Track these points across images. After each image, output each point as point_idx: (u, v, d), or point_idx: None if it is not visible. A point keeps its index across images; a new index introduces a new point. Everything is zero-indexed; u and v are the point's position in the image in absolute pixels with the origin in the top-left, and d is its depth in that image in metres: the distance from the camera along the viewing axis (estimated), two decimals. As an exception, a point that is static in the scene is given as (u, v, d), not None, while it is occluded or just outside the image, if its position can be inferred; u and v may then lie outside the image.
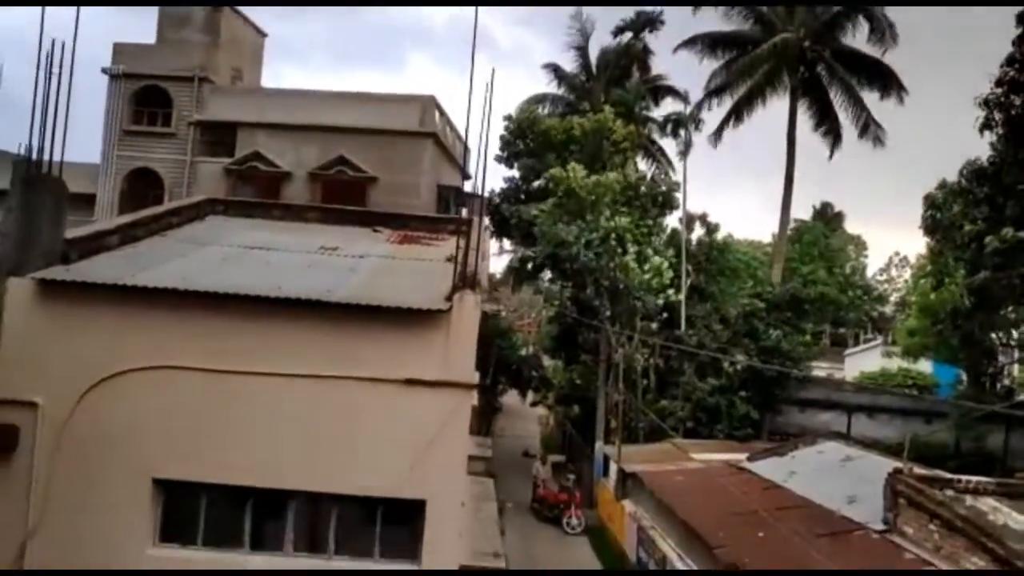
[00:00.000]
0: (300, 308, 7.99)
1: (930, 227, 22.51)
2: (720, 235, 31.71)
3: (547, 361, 36.39)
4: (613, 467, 21.37)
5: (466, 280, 8.39)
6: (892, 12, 30.17)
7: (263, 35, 26.44)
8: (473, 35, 21.83)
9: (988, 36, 17.15)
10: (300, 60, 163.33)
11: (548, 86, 34.33)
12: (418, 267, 11.19)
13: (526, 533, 21.03)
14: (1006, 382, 26.61)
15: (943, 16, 76.51)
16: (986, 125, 18.59)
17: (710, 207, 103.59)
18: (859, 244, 54.73)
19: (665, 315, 26.13)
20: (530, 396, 34.50)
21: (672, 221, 29.89)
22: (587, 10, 33.46)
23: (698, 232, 31.28)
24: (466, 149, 26.12)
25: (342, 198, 19.69)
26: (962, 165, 19.74)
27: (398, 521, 8.15)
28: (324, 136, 21.96)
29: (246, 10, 24.94)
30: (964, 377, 26.36)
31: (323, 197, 20.95)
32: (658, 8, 31.81)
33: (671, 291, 25.14)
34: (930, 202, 22.34)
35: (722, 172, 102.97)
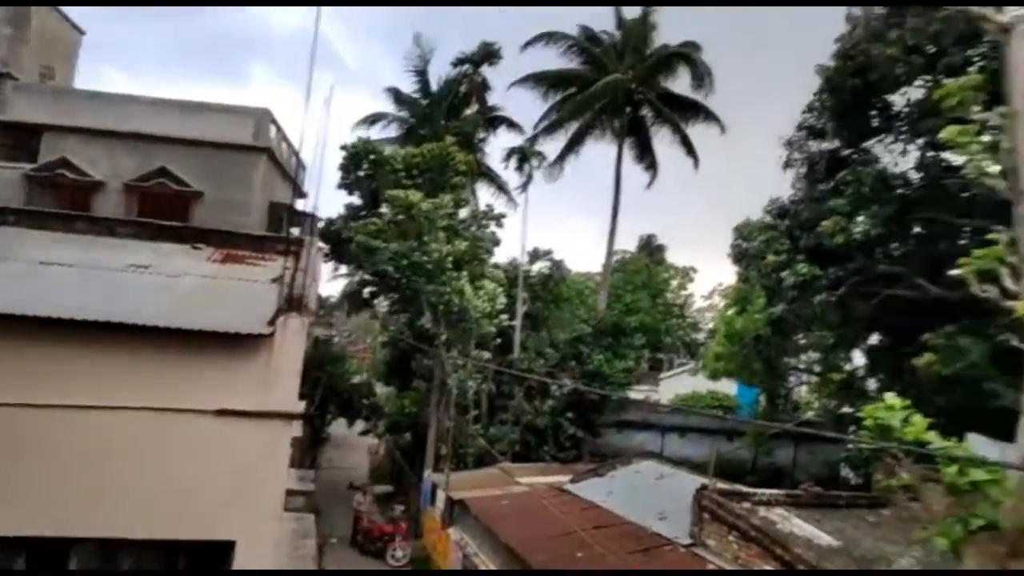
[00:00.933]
0: (98, 331, 7.27)
1: (737, 256, 24.87)
2: (556, 264, 32.99)
3: (380, 388, 35.77)
4: (441, 495, 21.34)
5: (292, 302, 8.08)
6: (733, 54, 33.38)
7: (81, 32, 24.18)
8: (312, 48, 21.45)
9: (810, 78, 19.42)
10: (129, 64, 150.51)
11: (392, 107, 34.28)
12: (241, 288, 10.64)
13: (348, 568, 20.42)
14: (795, 401, 29.79)
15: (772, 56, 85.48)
16: (787, 164, 20.99)
17: (548, 238, 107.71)
18: (686, 274, 58.92)
19: (499, 341, 26.69)
20: (361, 425, 33.67)
21: (508, 249, 30.74)
22: (429, 36, 33.91)
23: (539, 264, 32.48)
24: (302, 167, 25.30)
25: (162, 213, 18.29)
26: (767, 202, 22.12)
27: (203, 566, 7.59)
28: (145, 145, 20.29)
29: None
30: (762, 398, 29.16)
31: (140, 211, 19.31)
32: (497, 43, 32.90)
33: (504, 316, 25.72)
34: (738, 233, 24.73)
35: (559, 204, 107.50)
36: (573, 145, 34.65)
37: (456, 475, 21.59)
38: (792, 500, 13.77)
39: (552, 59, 35.04)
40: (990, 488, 9.32)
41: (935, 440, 10.48)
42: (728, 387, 32.64)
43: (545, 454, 24.59)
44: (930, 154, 16.99)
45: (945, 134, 10.20)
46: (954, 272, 10.44)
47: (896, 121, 18.58)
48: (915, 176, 18.07)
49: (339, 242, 26.14)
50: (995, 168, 10.21)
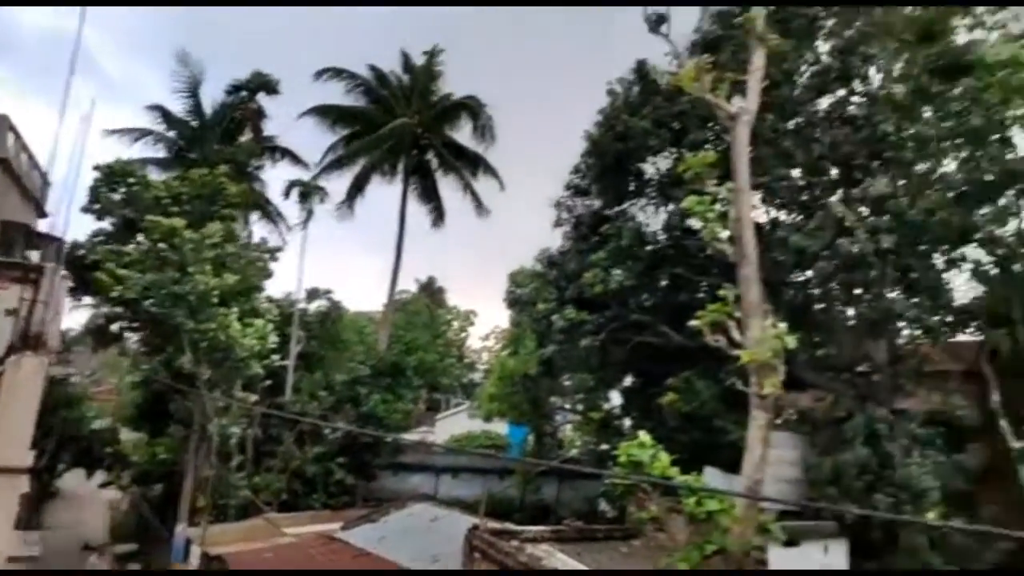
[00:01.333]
0: None
1: (512, 302, 26.12)
2: (335, 304, 32.16)
3: (128, 434, 32.05)
4: (196, 550, 19.53)
5: (29, 339, 7.07)
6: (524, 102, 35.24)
7: None
8: (73, 56, 19.18)
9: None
10: None
11: (159, 125, 31.63)
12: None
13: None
14: (559, 439, 31.57)
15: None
16: (557, 223, 22.56)
17: (333, 275, 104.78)
18: (466, 317, 60.22)
19: (269, 382, 25.31)
20: (102, 476, 29.84)
21: (285, 286, 29.52)
22: (198, 57, 31.99)
23: (316, 302, 31.43)
24: (47, 183, 22.30)
25: None
26: (539, 251, 23.54)
27: None
28: None
29: None
30: (531, 437, 30.56)
31: None
32: (275, 76, 32.03)
33: (276, 356, 24.48)
34: (512, 280, 25.99)
35: (347, 240, 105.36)
36: (360, 183, 34.46)
37: (215, 528, 19.90)
38: (556, 535, 14.50)
39: (342, 92, 34.83)
40: (721, 516, 10.62)
41: (677, 474, 11.74)
42: (501, 427, 33.80)
43: (315, 502, 23.55)
44: (676, 218, 19.25)
45: (686, 202, 11.77)
46: (692, 323, 11.95)
47: (649, 186, 20.89)
48: (663, 235, 20.34)
49: (84, 268, 23.32)
50: (725, 234, 11.92)
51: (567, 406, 28.94)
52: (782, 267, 18.27)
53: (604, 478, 20.87)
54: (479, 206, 35.48)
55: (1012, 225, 17.67)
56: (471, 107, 34.88)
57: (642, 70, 19.96)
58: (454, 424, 40.21)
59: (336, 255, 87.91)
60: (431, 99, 35.33)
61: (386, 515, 18.81)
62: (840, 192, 17.46)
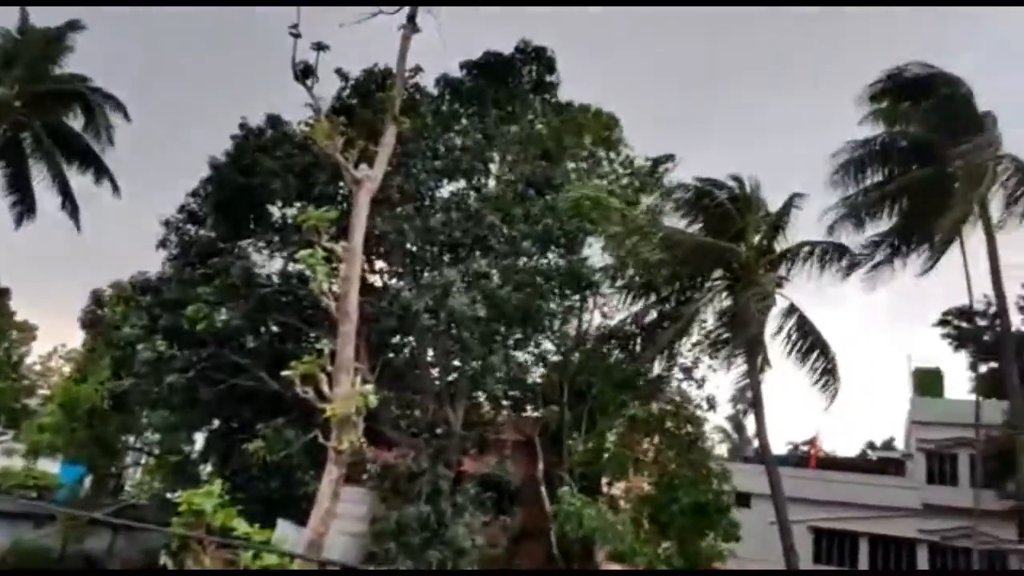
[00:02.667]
0: None
1: (90, 322, 22.85)
2: None
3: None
4: None
5: None
6: None
7: None
8: None
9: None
10: None
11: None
12: None
13: None
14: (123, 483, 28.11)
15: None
16: (163, 243, 20.60)
17: None
18: (25, 329, 50.48)
19: None
20: None
21: None
22: None
23: None
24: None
25: None
26: (135, 273, 21.14)
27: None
28: None
29: None
30: (89, 478, 26.63)
31: None
32: None
33: None
34: (96, 297, 22.80)
35: None
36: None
37: None
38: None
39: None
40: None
41: (241, 526, 11.30)
42: (53, 464, 28.81)
43: None
44: (292, 265, 19.18)
45: (300, 253, 11.85)
46: (285, 372, 11.87)
47: (271, 228, 20.50)
48: (278, 280, 20.05)
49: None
50: (333, 290, 12.24)
51: (140, 446, 26.03)
52: (389, 330, 19.35)
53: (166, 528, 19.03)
54: (70, 206, 30.67)
55: (574, 323, 21.46)
56: (86, 99, 30.42)
57: (275, 118, 19.97)
58: (-10, 457, 33.02)
59: None
60: (44, 72, 29.97)
61: None
62: (446, 267, 19.33)
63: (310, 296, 16.40)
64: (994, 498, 25.35)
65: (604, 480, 21.45)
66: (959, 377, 36.38)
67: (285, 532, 15.90)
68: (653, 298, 22.69)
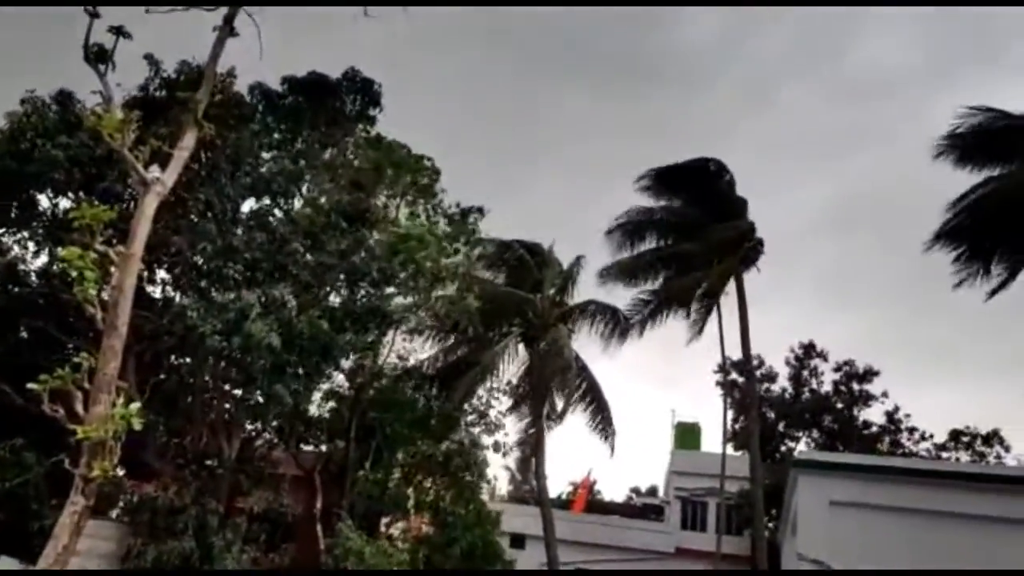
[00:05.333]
0: None
1: None
2: None
3: None
4: None
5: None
6: None
7: None
8: None
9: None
10: None
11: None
12: None
13: None
14: None
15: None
16: None
17: None
18: None
19: None
20: None
21: None
22: None
23: None
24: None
25: None
26: None
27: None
28: None
29: None
30: None
31: None
32: None
33: None
34: None
35: None
36: None
37: None
38: None
39: None
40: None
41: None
42: None
43: None
44: (57, 265, 17.07)
45: (66, 253, 10.55)
46: (32, 385, 10.41)
47: (38, 220, 18.16)
48: (38, 280, 17.76)
49: None
50: (103, 297, 11.01)
51: None
52: (166, 350, 17.78)
53: None
54: None
55: (371, 359, 21.06)
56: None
57: (66, 96, 17.88)
58: None
59: None
60: None
61: None
62: (244, 290, 18.18)
63: (74, 302, 14.68)
64: (736, 543, 28.40)
65: (384, 519, 21.14)
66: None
67: (9, 570, 13.87)
68: (453, 340, 23.18)
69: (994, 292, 21.88)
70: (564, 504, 37.76)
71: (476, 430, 22.29)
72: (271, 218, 18.93)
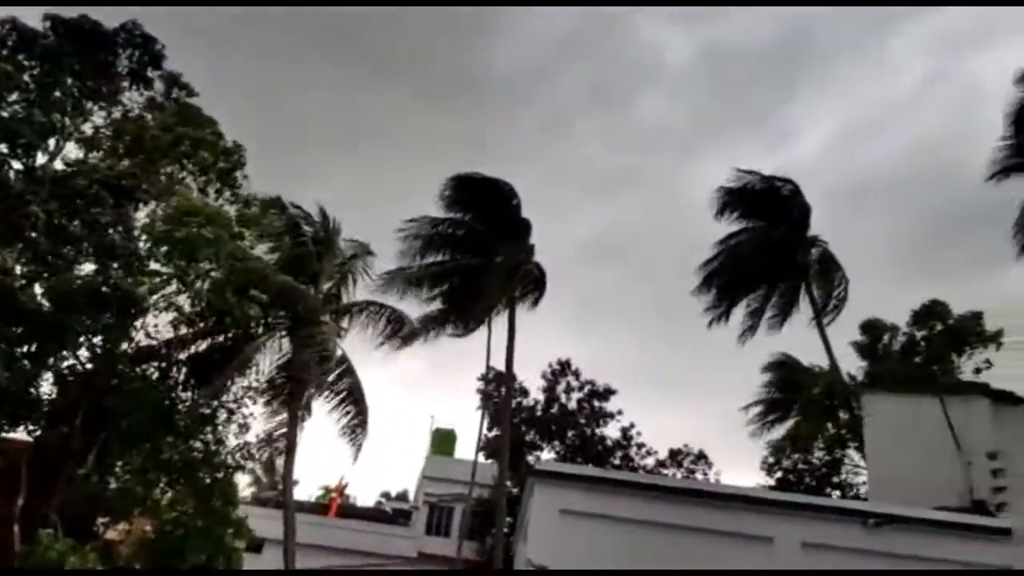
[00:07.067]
0: None
1: None
2: None
3: None
4: None
5: None
6: None
7: None
8: None
9: None
10: None
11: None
12: None
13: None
14: None
15: None
16: None
17: None
18: None
19: None
20: None
21: None
22: None
23: None
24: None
25: None
26: None
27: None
28: None
29: None
30: None
31: None
32: None
33: None
34: None
35: None
36: None
37: None
38: None
39: None
40: None
41: None
42: None
43: None
44: None
45: None
46: None
47: None
48: None
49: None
50: None
51: None
52: None
53: None
54: None
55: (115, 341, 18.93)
56: None
57: None
58: None
59: None
60: None
61: None
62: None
63: None
64: (478, 549, 29.63)
65: (102, 520, 19.13)
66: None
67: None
68: (214, 329, 21.45)
69: (743, 333, 25.78)
70: (315, 508, 36.77)
71: (225, 428, 20.91)
72: (9, 170, 16.40)
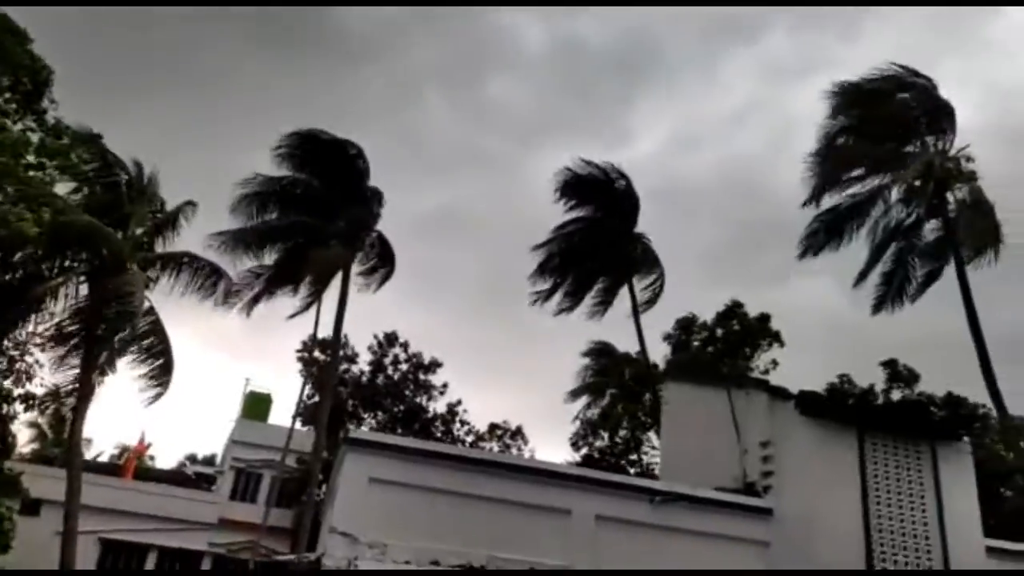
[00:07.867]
0: None
1: None
2: None
3: None
4: None
5: None
6: None
7: None
8: None
9: None
10: None
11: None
12: None
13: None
14: None
15: None
16: None
17: None
18: None
19: None
20: None
21: None
22: None
23: None
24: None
25: None
26: None
27: None
28: None
29: None
30: None
31: None
32: None
33: None
34: None
35: None
36: None
37: None
38: None
39: None
40: None
41: None
42: None
43: None
44: None
45: None
46: None
47: None
48: None
49: None
50: None
51: None
52: None
53: None
54: None
55: None
56: None
57: None
58: None
59: None
60: None
61: None
62: None
63: None
64: (285, 516, 28.81)
65: None
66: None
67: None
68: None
69: (559, 312, 26.80)
70: (109, 469, 33.96)
71: (2, 378, 18.71)
72: None
